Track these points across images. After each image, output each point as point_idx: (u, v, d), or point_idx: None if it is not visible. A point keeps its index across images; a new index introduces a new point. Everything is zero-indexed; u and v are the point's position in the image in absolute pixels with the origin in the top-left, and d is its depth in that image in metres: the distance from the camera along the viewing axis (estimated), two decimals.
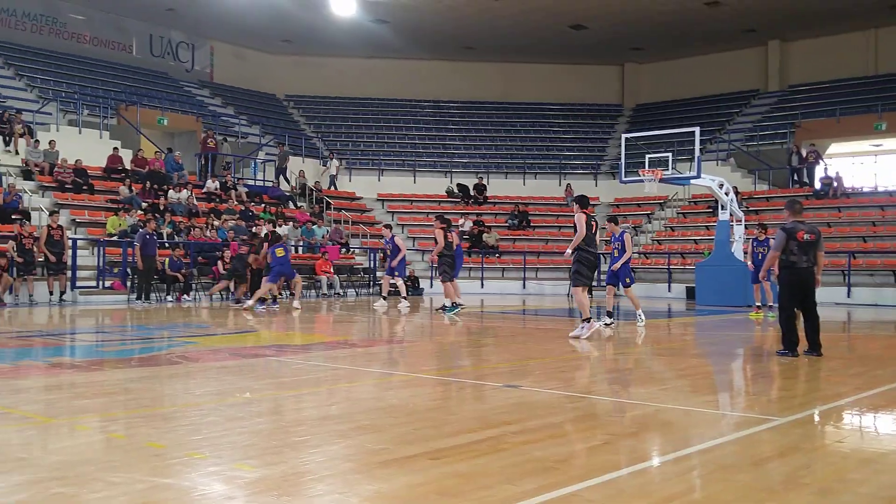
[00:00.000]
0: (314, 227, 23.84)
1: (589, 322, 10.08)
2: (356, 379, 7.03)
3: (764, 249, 14.87)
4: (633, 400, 6.04)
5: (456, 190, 29.24)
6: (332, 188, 27.55)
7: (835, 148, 29.59)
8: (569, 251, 10.38)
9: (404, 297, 16.42)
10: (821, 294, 8.81)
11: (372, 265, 24.02)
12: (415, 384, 6.81)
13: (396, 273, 16.34)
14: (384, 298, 16.24)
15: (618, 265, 12.27)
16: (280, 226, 22.43)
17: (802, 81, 30.94)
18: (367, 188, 29.09)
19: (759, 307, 15.16)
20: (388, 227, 17.01)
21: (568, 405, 5.88)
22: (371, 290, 22.93)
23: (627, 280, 12.38)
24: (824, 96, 29.24)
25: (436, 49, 32.74)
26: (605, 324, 12.10)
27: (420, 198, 29.14)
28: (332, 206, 26.43)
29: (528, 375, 7.47)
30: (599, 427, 5.12)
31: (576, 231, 10.24)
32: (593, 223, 10.34)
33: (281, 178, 26.63)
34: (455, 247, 15.18)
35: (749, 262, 15.43)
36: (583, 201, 10.45)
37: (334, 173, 27.89)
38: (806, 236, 8.43)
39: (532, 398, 6.08)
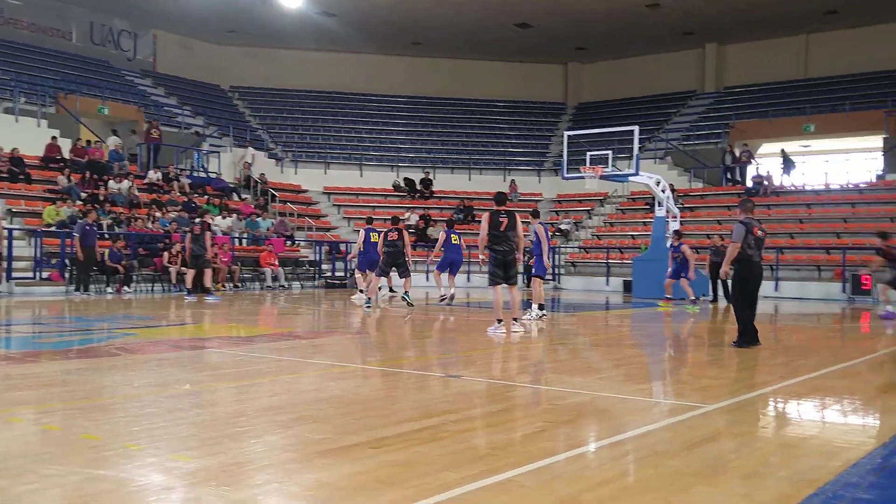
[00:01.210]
0: (258, 219, 23.52)
1: (499, 324, 9.84)
2: (299, 370, 6.97)
3: (678, 255, 15.65)
4: (571, 388, 6.14)
5: (402, 184, 29.18)
6: (247, 178, 26.61)
7: (766, 148, 30.48)
8: (480, 256, 10.28)
9: (361, 291, 16.21)
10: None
11: (317, 258, 23.82)
12: (358, 375, 6.78)
13: (355, 266, 16.38)
14: (360, 291, 16.02)
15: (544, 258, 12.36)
16: (224, 217, 22.09)
17: (737, 83, 31.76)
18: (313, 181, 28.82)
19: (668, 299, 15.82)
20: (368, 220, 16.89)
21: (507, 394, 5.94)
22: (315, 282, 22.73)
23: (532, 270, 12.35)
24: (757, 98, 30.08)
25: (384, 43, 32.56)
26: (538, 315, 12.22)
27: (366, 191, 29.00)
28: (278, 199, 26.10)
29: (470, 366, 7.52)
30: (537, 415, 5.19)
31: None
32: (502, 219, 9.81)
33: (203, 167, 25.98)
34: (404, 245, 14.82)
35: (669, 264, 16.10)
36: (496, 198, 10.18)
37: (250, 161, 27.13)
38: (760, 232, 8.69)
39: (473, 388, 6.12)
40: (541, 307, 12.30)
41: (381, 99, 34.39)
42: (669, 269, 16.02)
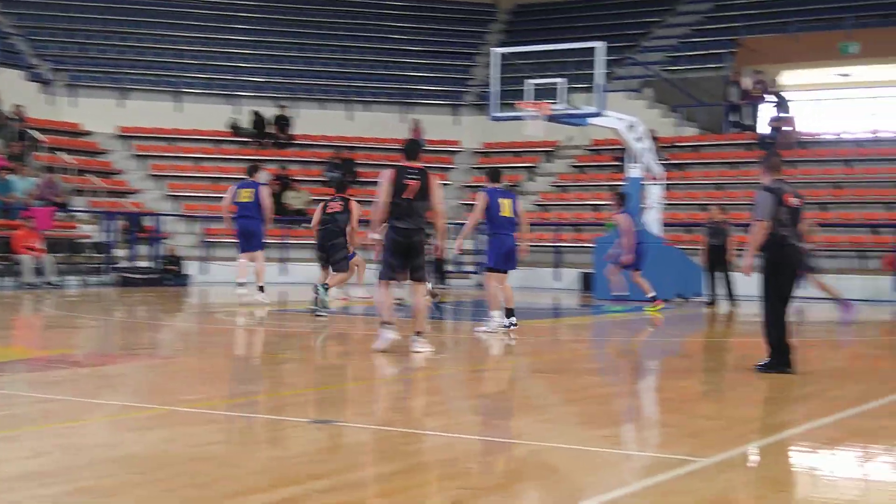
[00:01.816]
0: (12, 177, 22.84)
1: (386, 327, 10.01)
2: (79, 415, 6.84)
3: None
4: (501, 437, 6.22)
5: (245, 125, 28.83)
6: None
7: (789, 77, 31.45)
8: (373, 234, 10.33)
9: (239, 284, 16.10)
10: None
11: (108, 239, 23.26)
12: (173, 422, 6.69)
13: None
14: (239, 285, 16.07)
15: None
16: None
17: None
18: (102, 118, 28.06)
19: (656, 300, 16.26)
20: (250, 170, 16.79)
21: (405, 447, 5.98)
22: (105, 276, 22.26)
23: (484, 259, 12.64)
24: (776, 4, 30.83)
25: None
26: (506, 327, 12.34)
27: (188, 135, 28.54)
28: (44, 146, 25.34)
29: (348, 405, 7.54)
30: (451, 478, 5.23)
31: None
32: (411, 181, 9.87)
33: None
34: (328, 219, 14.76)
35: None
36: (406, 148, 10.34)
37: None
38: (794, 200, 8.83)
39: (352, 438, 6.15)
40: (509, 313, 12.34)
41: None
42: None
